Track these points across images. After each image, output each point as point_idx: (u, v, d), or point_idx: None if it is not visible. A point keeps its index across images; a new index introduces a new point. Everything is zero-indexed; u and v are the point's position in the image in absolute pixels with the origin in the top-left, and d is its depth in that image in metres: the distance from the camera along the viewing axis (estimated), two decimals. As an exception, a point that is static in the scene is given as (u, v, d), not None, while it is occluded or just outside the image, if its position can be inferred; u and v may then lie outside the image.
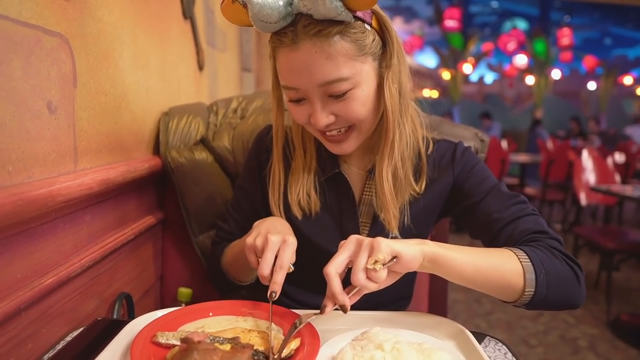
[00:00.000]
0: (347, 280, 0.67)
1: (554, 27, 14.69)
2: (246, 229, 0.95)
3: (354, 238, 0.67)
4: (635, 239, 3.00)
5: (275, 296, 0.71)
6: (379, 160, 0.84)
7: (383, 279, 0.65)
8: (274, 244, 0.73)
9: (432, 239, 0.74)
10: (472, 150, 1.15)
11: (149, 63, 1.19)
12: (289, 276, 0.94)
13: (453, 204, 0.92)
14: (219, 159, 1.20)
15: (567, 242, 4.59)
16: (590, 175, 3.56)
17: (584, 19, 19.40)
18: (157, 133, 1.23)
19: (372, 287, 0.65)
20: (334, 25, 0.70)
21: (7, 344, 0.66)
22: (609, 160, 3.79)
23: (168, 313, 0.76)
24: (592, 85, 13.60)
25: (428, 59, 16.90)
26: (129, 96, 1.07)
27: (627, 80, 13.12)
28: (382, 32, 0.78)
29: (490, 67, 14.89)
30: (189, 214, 1.19)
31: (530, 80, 12.32)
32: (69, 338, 0.77)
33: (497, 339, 0.77)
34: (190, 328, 0.73)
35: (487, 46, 13.28)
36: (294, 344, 0.67)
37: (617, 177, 3.67)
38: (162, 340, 0.65)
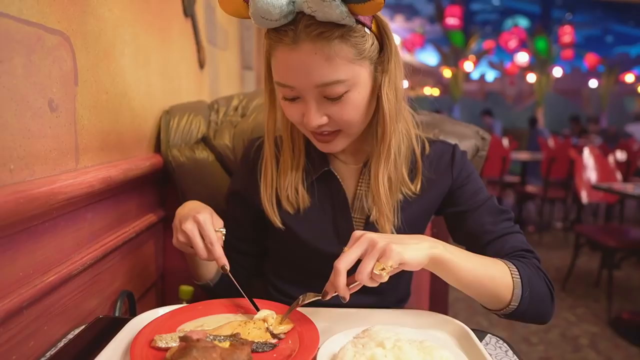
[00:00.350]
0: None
1: (555, 25, 14.68)
2: (240, 238, 0.98)
3: (368, 237, 0.68)
4: (636, 237, 2.99)
5: (227, 267, 0.80)
6: (374, 163, 0.84)
7: (385, 281, 0.66)
8: (192, 231, 0.79)
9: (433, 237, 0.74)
10: (473, 150, 1.15)
11: (150, 61, 1.19)
12: (283, 274, 0.95)
13: (445, 206, 0.94)
14: (220, 157, 1.20)
15: (568, 241, 4.60)
16: (591, 173, 3.55)
17: (586, 16, 19.37)
18: (158, 131, 1.23)
19: (373, 285, 0.67)
20: (335, 28, 0.70)
21: (9, 341, 0.66)
22: (610, 158, 3.78)
23: (165, 313, 0.76)
24: (593, 83, 13.58)
25: (429, 57, 16.89)
26: (130, 94, 1.07)
27: (629, 78, 13.11)
28: (381, 36, 0.78)
29: (492, 65, 14.87)
30: (190, 212, 1.19)
31: (531, 78, 12.31)
32: (70, 336, 0.78)
33: (498, 337, 0.77)
34: (189, 327, 0.73)
35: (488, 44, 13.27)
36: (285, 327, 0.71)
37: (619, 175, 3.66)
38: (161, 344, 0.65)
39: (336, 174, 0.90)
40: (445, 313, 0.97)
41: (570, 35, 12.09)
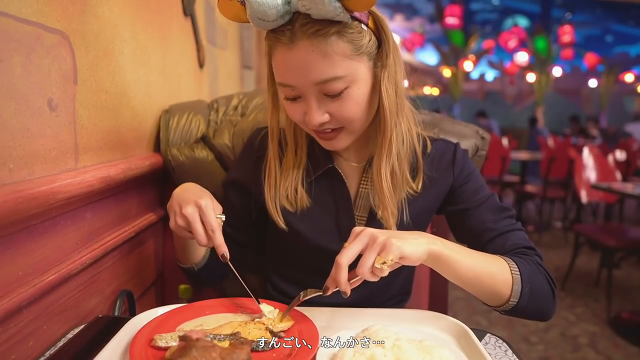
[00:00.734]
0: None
1: (555, 25, 14.66)
2: (233, 226, 0.97)
3: (368, 232, 0.68)
4: (636, 236, 3.00)
5: (227, 256, 0.78)
6: (376, 158, 0.85)
7: (386, 275, 0.66)
8: (193, 216, 0.77)
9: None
10: (472, 149, 1.16)
11: (150, 60, 1.19)
12: (283, 271, 0.94)
13: (446, 204, 0.94)
14: (220, 156, 1.20)
15: (567, 240, 4.60)
16: (591, 172, 3.56)
17: (585, 16, 19.37)
18: (158, 130, 1.23)
19: (374, 279, 0.67)
20: (331, 25, 0.70)
21: (9, 341, 0.66)
22: (610, 158, 3.79)
23: (165, 313, 0.76)
24: (593, 83, 13.57)
25: (429, 57, 16.87)
26: (130, 93, 1.07)
27: (629, 77, 13.10)
28: (378, 32, 0.78)
29: (491, 65, 14.86)
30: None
31: (531, 77, 12.31)
32: (70, 335, 0.77)
33: (497, 336, 0.77)
34: (188, 326, 0.73)
35: (488, 43, 13.25)
36: (285, 325, 0.71)
37: (618, 175, 3.66)
38: (161, 343, 0.65)
39: (340, 171, 0.90)
40: (445, 312, 0.98)
41: (570, 34, 12.07)
